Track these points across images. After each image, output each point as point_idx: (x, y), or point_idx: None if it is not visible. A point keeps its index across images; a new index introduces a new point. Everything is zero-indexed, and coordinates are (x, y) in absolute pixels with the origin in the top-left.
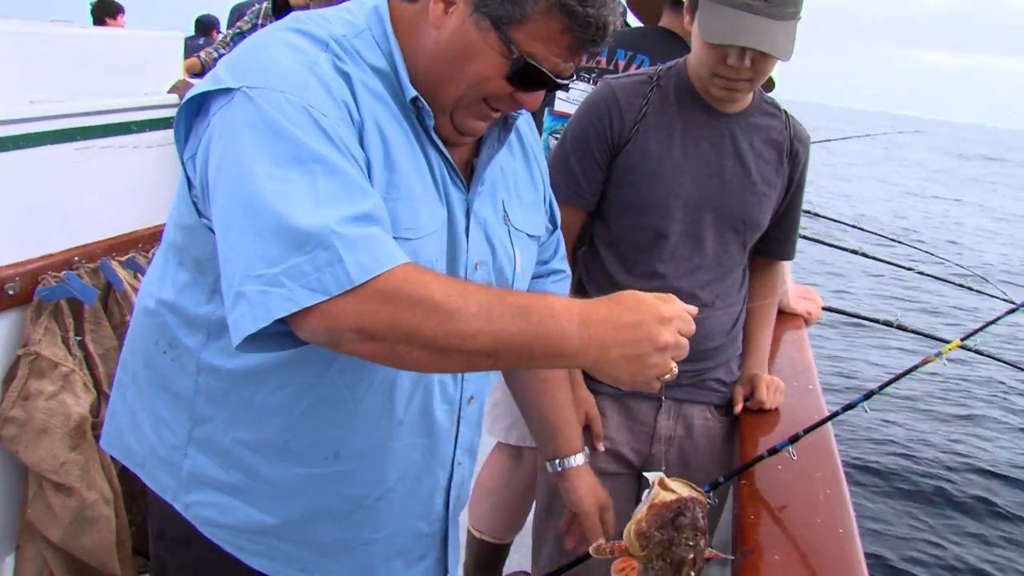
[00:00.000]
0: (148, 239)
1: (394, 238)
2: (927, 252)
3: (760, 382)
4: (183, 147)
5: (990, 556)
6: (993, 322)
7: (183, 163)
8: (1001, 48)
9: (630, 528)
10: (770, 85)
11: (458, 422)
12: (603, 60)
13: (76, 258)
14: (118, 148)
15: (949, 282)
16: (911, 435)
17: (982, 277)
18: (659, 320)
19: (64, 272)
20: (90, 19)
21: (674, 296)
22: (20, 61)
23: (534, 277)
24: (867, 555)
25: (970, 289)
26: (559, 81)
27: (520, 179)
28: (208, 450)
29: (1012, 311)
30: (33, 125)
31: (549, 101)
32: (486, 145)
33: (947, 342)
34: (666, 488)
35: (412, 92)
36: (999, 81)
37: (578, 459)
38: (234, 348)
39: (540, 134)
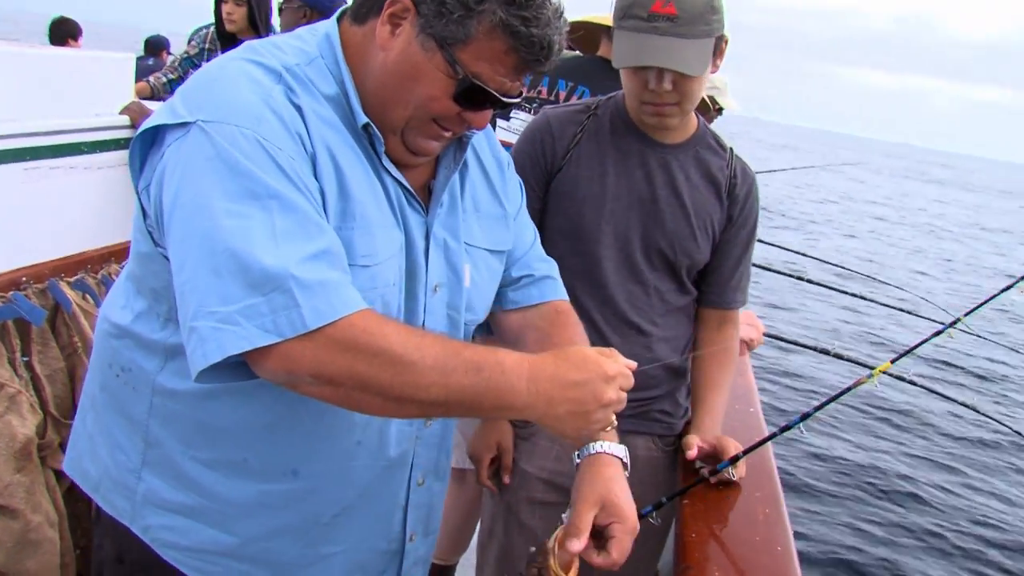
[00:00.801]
0: (98, 260)
1: (351, 266)
2: (869, 276)
3: (724, 445)
4: (138, 177)
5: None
6: (920, 344)
7: (138, 193)
8: (933, 70)
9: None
10: (709, 111)
11: (415, 442)
12: (544, 90)
13: (24, 278)
14: (68, 168)
15: (890, 307)
16: (847, 453)
17: (923, 298)
18: (604, 379)
19: (11, 292)
20: (47, 38)
21: (616, 351)
22: None
23: (502, 286)
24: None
25: (909, 313)
26: (506, 100)
27: (479, 194)
28: (162, 472)
29: (938, 333)
30: None
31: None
32: (442, 166)
33: (874, 367)
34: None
35: (363, 119)
36: (930, 102)
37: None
38: (193, 380)
39: None
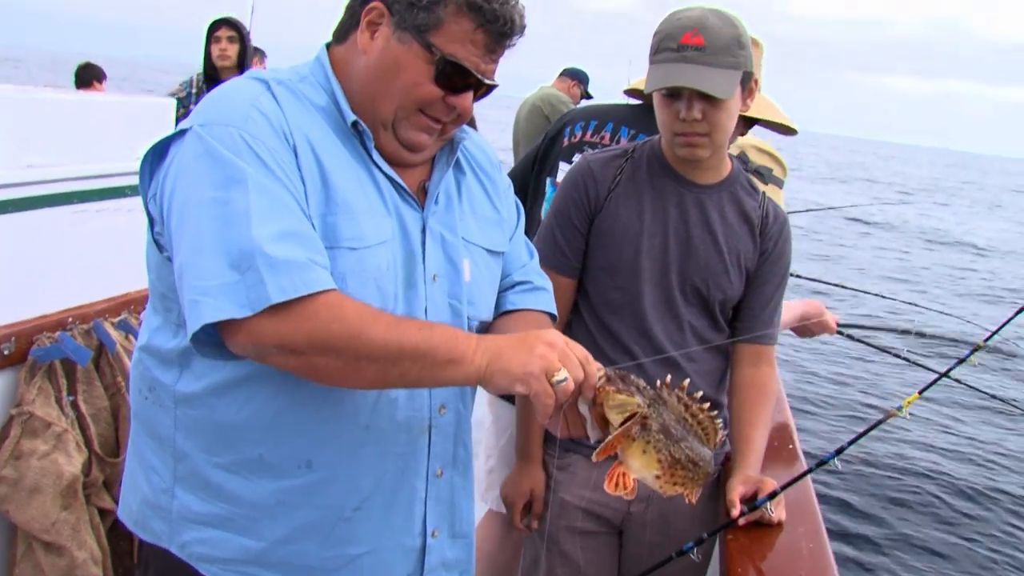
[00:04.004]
0: (140, 301)
1: (339, 248)
2: (912, 304)
3: (767, 486)
4: (146, 189)
5: None
6: (947, 374)
7: (146, 204)
8: (968, 74)
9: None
10: (791, 131)
11: (429, 430)
12: (607, 136)
13: (70, 319)
14: (112, 211)
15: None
16: (888, 483)
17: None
18: (546, 331)
19: (58, 333)
20: (73, 82)
21: None
22: (16, 126)
23: (501, 290)
24: None
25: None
26: (486, 82)
27: (476, 197)
28: (192, 486)
29: (961, 361)
30: (31, 189)
31: (551, 171)
32: (437, 168)
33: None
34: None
35: (352, 117)
36: (967, 107)
37: None
38: (189, 346)
39: (542, 202)
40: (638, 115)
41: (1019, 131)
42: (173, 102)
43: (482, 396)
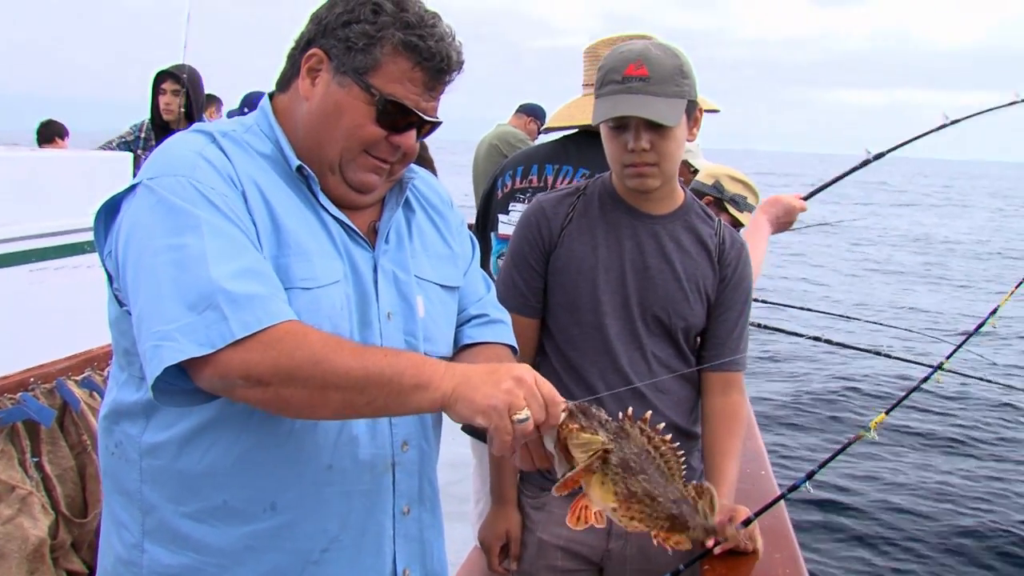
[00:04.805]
0: (103, 358)
1: (292, 288)
2: (875, 323)
3: (740, 514)
4: (102, 246)
5: None
6: (912, 392)
7: (103, 261)
8: (918, 82)
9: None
10: (715, 111)
11: (393, 468)
12: (534, 179)
13: (32, 379)
14: (72, 268)
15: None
16: (865, 503)
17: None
18: (517, 366)
19: (20, 394)
20: (35, 140)
21: None
22: None
23: (458, 325)
24: None
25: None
26: (426, 118)
27: (427, 235)
28: (160, 538)
29: (925, 379)
30: None
31: (493, 226)
32: (386, 207)
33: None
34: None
35: (296, 161)
36: (922, 115)
37: None
38: (152, 398)
39: (489, 257)
40: (559, 150)
41: (976, 135)
42: (129, 156)
43: (465, 439)
